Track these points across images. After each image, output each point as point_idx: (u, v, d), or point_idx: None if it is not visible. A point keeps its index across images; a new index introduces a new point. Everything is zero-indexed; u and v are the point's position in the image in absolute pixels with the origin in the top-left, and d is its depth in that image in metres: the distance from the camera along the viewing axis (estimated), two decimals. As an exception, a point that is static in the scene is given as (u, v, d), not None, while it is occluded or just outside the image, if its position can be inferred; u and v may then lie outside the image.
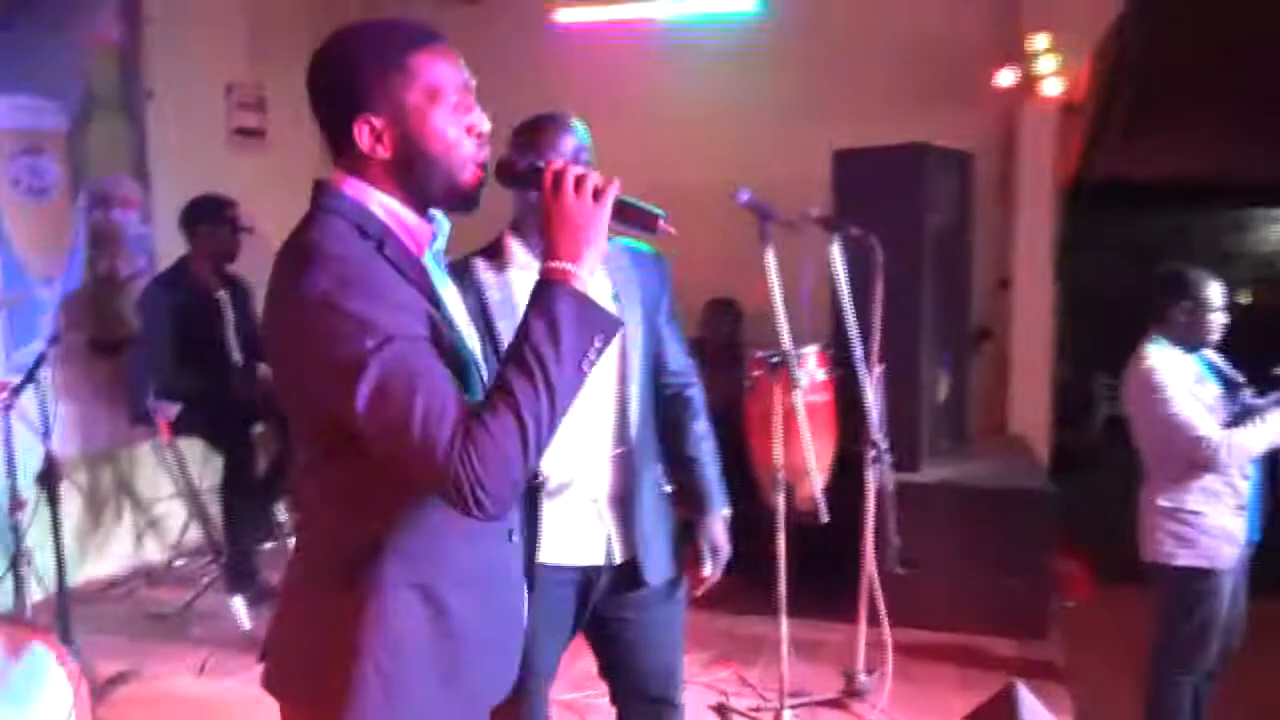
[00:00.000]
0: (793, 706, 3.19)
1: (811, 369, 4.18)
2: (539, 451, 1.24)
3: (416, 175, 1.37)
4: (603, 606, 2.12)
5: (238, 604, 3.96)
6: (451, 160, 1.38)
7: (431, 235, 1.44)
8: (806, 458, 4.06)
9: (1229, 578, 2.88)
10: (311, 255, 1.28)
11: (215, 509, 4.20)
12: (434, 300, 1.36)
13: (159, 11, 4.80)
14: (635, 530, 2.09)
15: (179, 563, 4.58)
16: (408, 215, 1.40)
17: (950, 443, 4.34)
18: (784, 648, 3.08)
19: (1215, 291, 2.93)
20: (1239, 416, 2.84)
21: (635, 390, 2.09)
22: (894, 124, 4.47)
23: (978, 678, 3.44)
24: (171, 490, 4.43)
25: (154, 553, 4.68)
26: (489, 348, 1.95)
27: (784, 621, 3.06)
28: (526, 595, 1.61)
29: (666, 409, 2.25)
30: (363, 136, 1.34)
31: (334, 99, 1.36)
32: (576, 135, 2.21)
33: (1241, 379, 2.99)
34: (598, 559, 2.08)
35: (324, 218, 1.35)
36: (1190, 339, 2.95)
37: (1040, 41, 4.58)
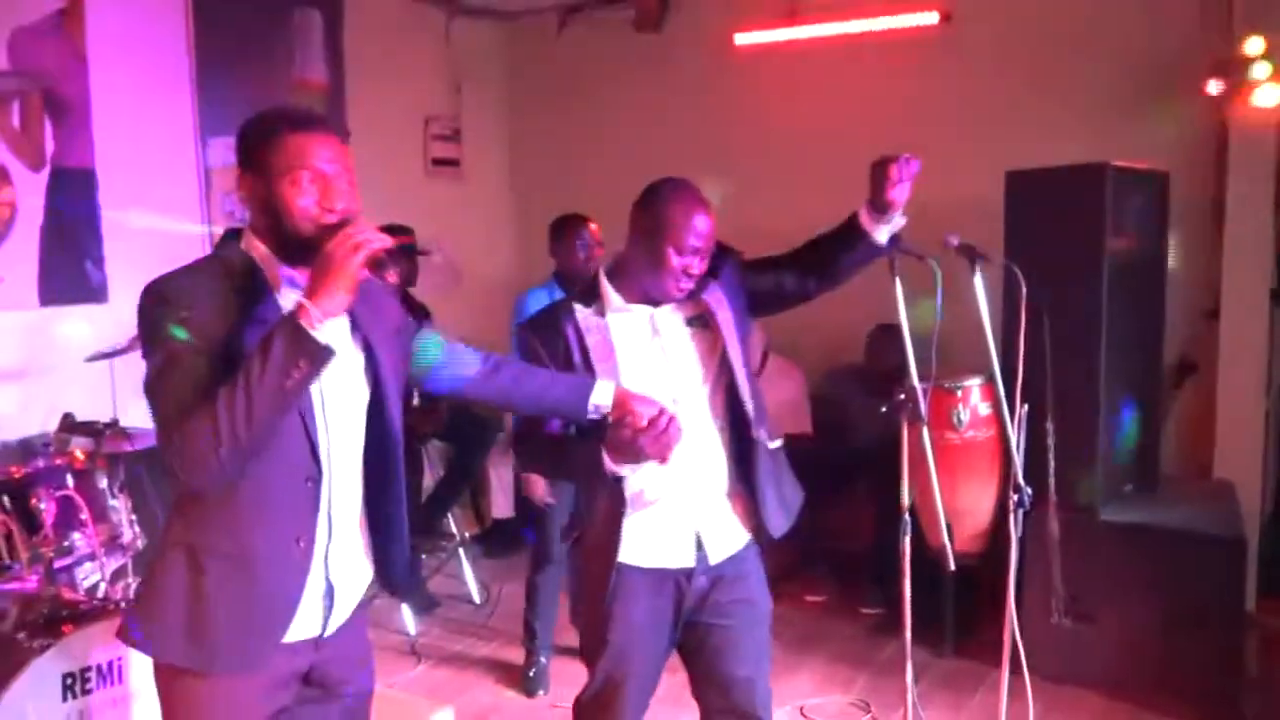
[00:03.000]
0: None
1: (975, 403, 3.99)
2: (233, 441, 1.53)
3: (275, 231, 1.70)
4: (695, 612, 2.27)
5: (405, 611, 4.20)
6: (298, 225, 1.68)
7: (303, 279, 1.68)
8: (963, 498, 3.92)
9: None
10: (150, 285, 1.67)
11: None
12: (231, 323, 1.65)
13: (361, 53, 5.21)
14: (734, 522, 2.29)
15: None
16: (271, 261, 1.72)
17: (1136, 486, 3.98)
18: (910, 695, 2.93)
19: None
20: None
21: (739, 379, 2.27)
22: (1084, 140, 4.22)
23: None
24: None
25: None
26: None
27: (909, 667, 2.91)
28: (329, 602, 1.77)
29: None
30: (239, 189, 1.73)
31: (236, 157, 1.74)
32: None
33: None
34: (689, 561, 2.23)
35: (204, 257, 1.77)
36: None
37: (1254, 45, 4.15)
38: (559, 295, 3.70)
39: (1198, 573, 3.52)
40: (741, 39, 5.35)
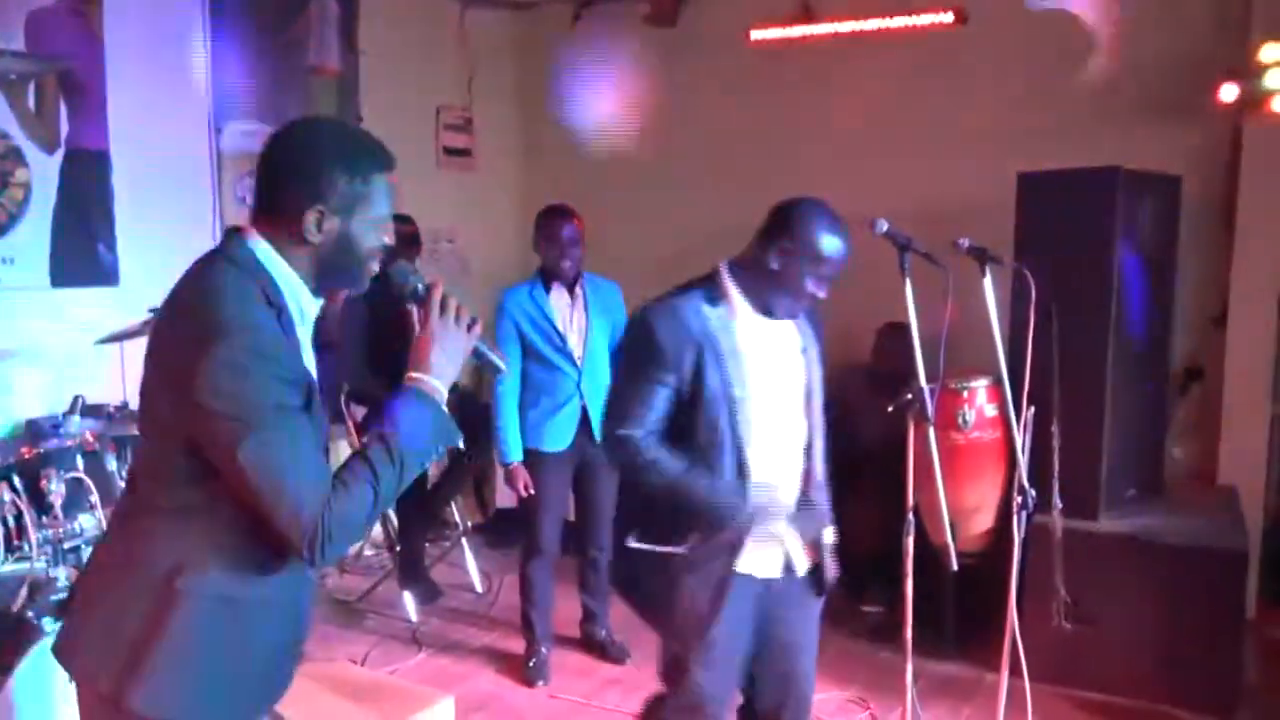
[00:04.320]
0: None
1: (981, 404, 4.00)
2: (373, 524, 1.48)
3: (331, 266, 1.59)
4: (771, 620, 2.36)
5: (407, 599, 4.22)
6: (363, 265, 1.61)
7: (314, 311, 1.63)
8: (967, 498, 3.92)
9: None
10: (226, 321, 1.44)
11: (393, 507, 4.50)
12: (305, 367, 1.56)
13: (374, 43, 5.21)
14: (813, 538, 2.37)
15: (368, 552, 4.93)
16: (303, 291, 1.59)
17: (1140, 491, 3.99)
18: (909, 695, 2.94)
19: None
20: None
21: (817, 413, 2.38)
22: (1097, 144, 4.22)
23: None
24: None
25: (348, 543, 5.07)
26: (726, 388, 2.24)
27: (909, 667, 2.92)
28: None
29: None
30: (309, 222, 1.54)
31: (298, 180, 1.55)
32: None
33: None
34: (777, 572, 2.33)
35: (234, 273, 1.51)
36: None
37: (1271, 53, 4.13)
38: (539, 291, 3.72)
39: (1198, 580, 3.53)
40: (757, 35, 5.35)
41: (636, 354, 2.29)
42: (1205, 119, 4.34)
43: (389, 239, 1.63)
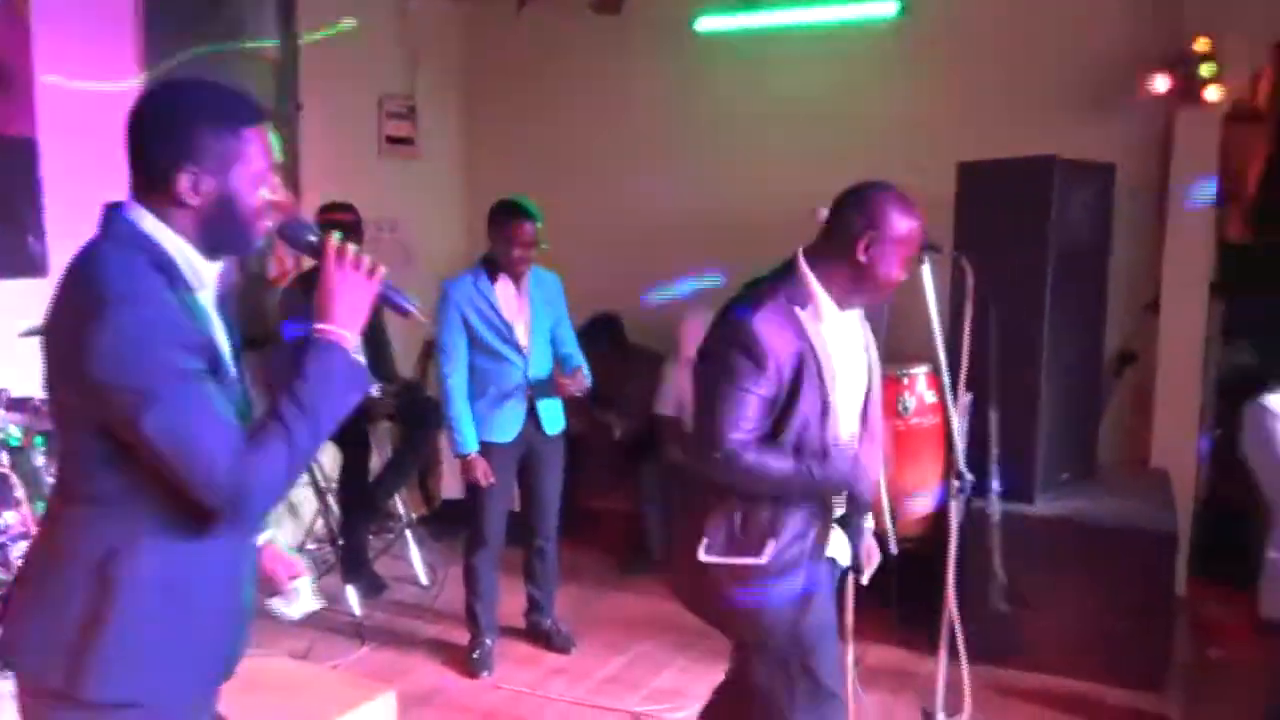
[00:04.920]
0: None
1: (921, 390, 4.05)
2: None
3: (217, 228, 1.56)
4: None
5: (351, 593, 4.18)
6: (250, 224, 1.58)
7: (214, 275, 1.61)
8: (908, 483, 3.97)
9: None
10: (110, 294, 1.41)
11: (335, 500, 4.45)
12: (208, 332, 1.54)
13: (315, 27, 5.12)
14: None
15: (310, 547, 4.87)
16: (195, 256, 1.56)
17: (1074, 474, 4.07)
18: (850, 678, 2.98)
19: None
20: None
21: (876, 407, 2.45)
22: (1036, 133, 4.28)
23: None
24: (305, 479, 4.71)
25: (290, 536, 4.99)
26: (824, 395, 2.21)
27: (850, 651, 2.95)
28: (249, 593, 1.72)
29: None
30: (182, 183, 1.50)
31: (164, 142, 1.52)
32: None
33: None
34: (847, 560, 2.44)
35: (119, 250, 1.49)
36: None
37: (1201, 45, 4.22)
38: (484, 281, 3.68)
39: (1130, 561, 3.62)
40: (701, 23, 5.35)
41: (738, 364, 2.15)
42: (1139, 109, 4.43)
43: (276, 194, 1.60)
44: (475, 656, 3.74)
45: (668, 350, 5.11)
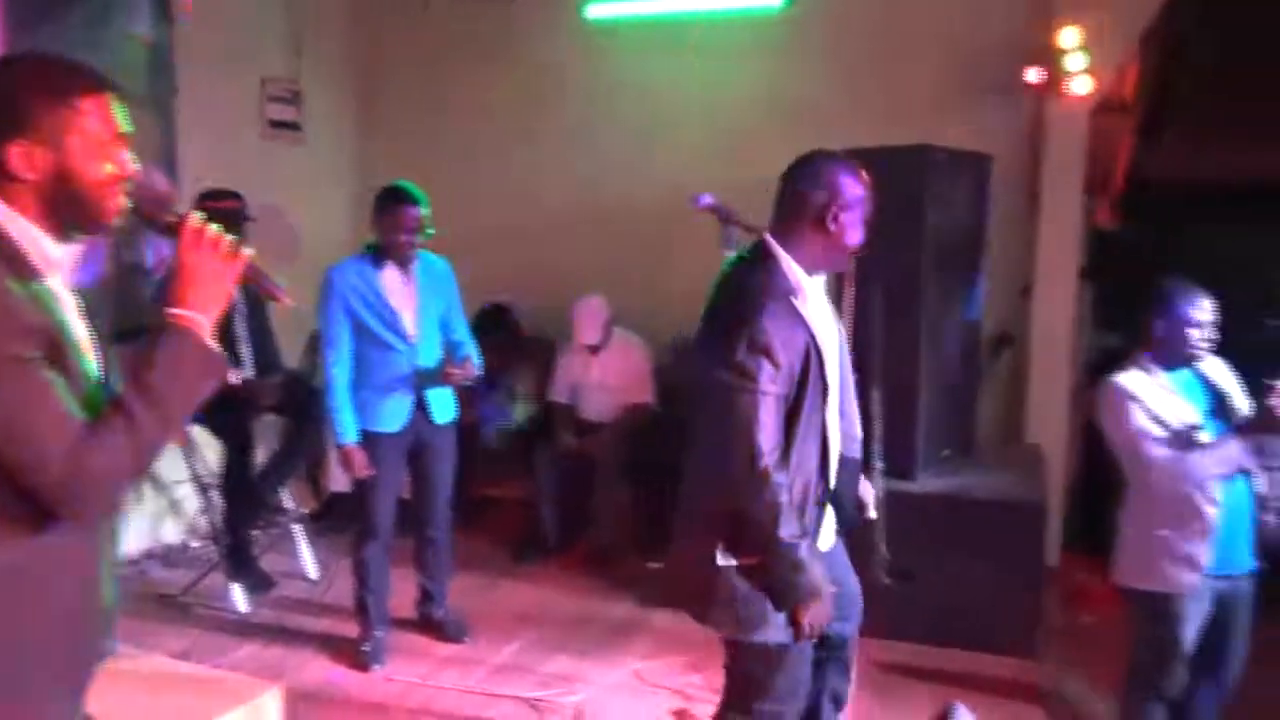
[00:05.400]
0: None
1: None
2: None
3: (59, 204, 1.47)
4: None
5: (235, 590, 4.08)
6: (96, 200, 1.49)
7: (67, 258, 1.52)
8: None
9: (1193, 604, 2.74)
10: None
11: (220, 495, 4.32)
12: (58, 320, 1.45)
13: (194, 9, 4.94)
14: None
15: (194, 545, 4.73)
16: (42, 237, 1.47)
17: (953, 452, 4.22)
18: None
19: (1198, 308, 2.78)
20: (1184, 442, 2.70)
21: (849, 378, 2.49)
22: (916, 123, 4.38)
23: (955, 696, 3.35)
24: (188, 474, 4.57)
25: (173, 534, 4.85)
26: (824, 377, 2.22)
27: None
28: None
29: None
30: (13, 157, 1.43)
31: None
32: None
33: (1234, 398, 2.83)
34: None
35: None
36: (1167, 356, 2.81)
37: (1070, 38, 4.40)
38: (369, 268, 3.62)
39: (1004, 533, 3.77)
40: (592, 11, 5.35)
41: (756, 366, 2.10)
42: (1013, 100, 4.59)
43: (126, 168, 1.51)
44: (366, 649, 3.69)
45: (560, 338, 5.11)
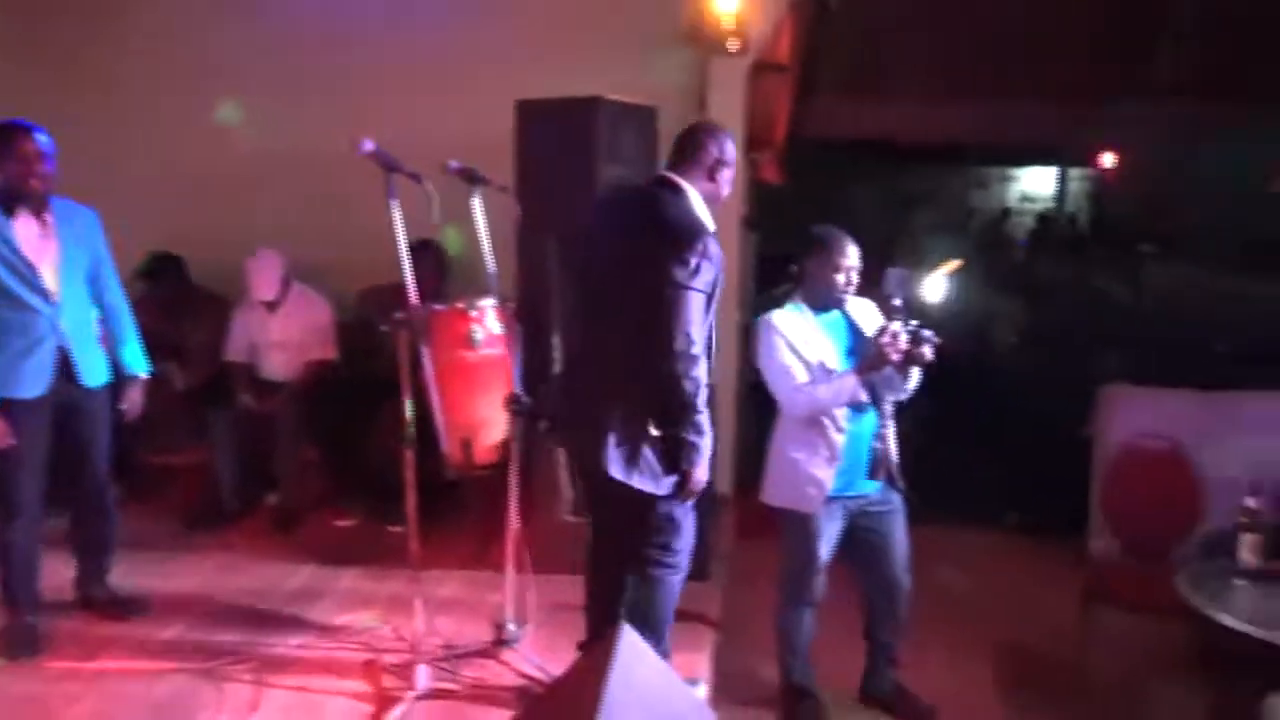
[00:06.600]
0: (440, 659, 3.20)
1: (490, 322, 4.18)
2: None
3: None
4: None
5: None
6: None
7: None
8: (481, 412, 4.11)
9: (826, 521, 3.08)
10: None
11: None
12: None
13: None
14: None
15: None
16: None
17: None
18: (417, 600, 3.09)
19: (844, 254, 3.07)
20: (815, 376, 3.02)
21: None
22: (589, 76, 4.47)
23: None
24: None
25: None
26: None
27: (417, 574, 3.06)
28: None
29: None
30: None
31: None
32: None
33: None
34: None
35: None
36: (816, 297, 3.11)
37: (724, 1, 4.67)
38: None
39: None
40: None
41: (699, 272, 2.65)
42: (678, 56, 4.81)
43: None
44: (15, 639, 3.37)
45: (234, 294, 4.85)
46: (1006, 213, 13.42)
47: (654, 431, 2.69)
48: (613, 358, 2.75)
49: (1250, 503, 3.08)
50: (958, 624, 3.95)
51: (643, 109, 4.39)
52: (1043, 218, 12.93)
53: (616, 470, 2.68)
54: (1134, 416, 4.25)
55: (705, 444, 2.70)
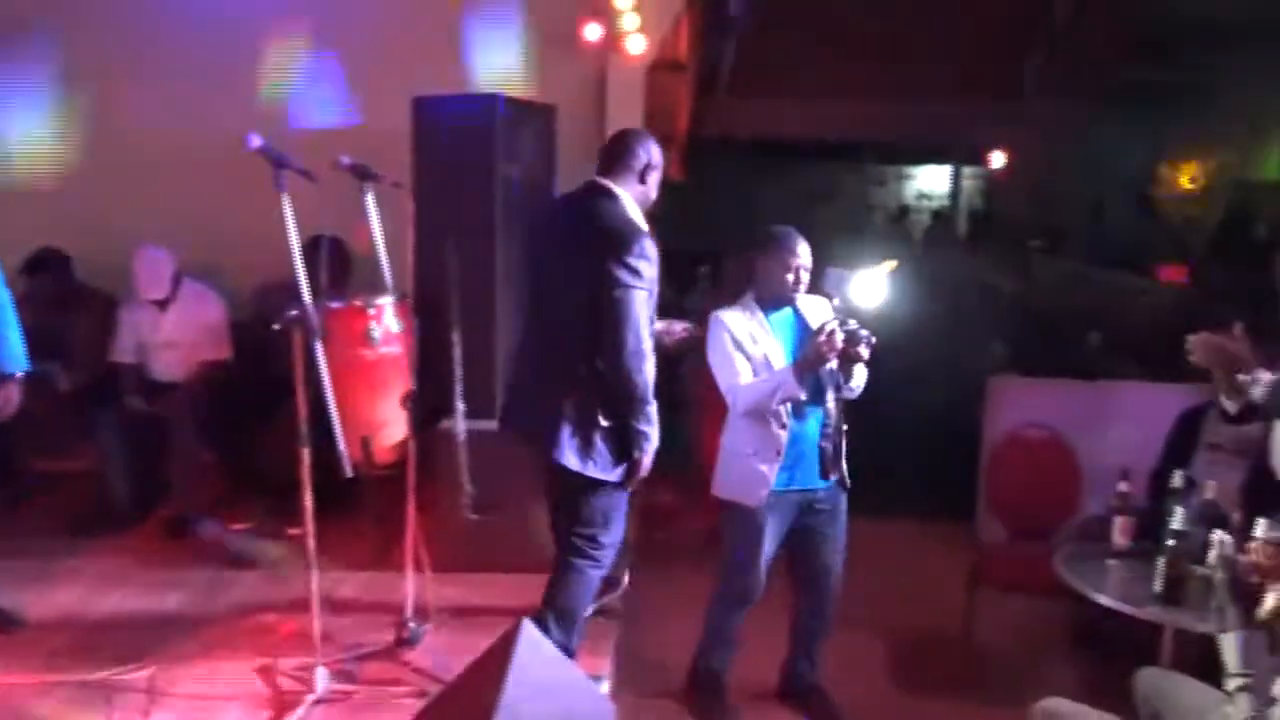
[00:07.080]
0: (340, 660, 3.17)
1: (389, 320, 4.14)
2: None
3: None
4: None
5: None
6: None
7: None
8: (381, 411, 4.07)
9: (770, 515, 3.14)
10: None
11: None
12: None
13: None
14: None
15: None
16: None
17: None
18: (314, 602, 3.06)
19: (794, 252, 3.12)
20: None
21: None
22: (493, 72, 4.49)
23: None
24: None
25: None
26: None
27: (315, 576, 3.03)
28: None
29: None
30: None
31: None
32: None
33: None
34: None
35: None
36: (767, 296, 3.17)
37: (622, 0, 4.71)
38: None
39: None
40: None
41: (641, 272, 2.80)
42: (578, 54, 4.84)
43: None
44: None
45: (122, 291, 4.70)
46: (904, 210, 13.75)
47: (605, 422, 2.84)
48: (565, 356, 2.89)
49: (1122, 487, 3.24)
50: (850, 607, 4.06)
51: (541, 107, 4.40)
52: (937, 214, 13.28)
53: (572, 459, 2.85)
54: (1018, 406, 4.44)
55: (654, 433, 2.86)
